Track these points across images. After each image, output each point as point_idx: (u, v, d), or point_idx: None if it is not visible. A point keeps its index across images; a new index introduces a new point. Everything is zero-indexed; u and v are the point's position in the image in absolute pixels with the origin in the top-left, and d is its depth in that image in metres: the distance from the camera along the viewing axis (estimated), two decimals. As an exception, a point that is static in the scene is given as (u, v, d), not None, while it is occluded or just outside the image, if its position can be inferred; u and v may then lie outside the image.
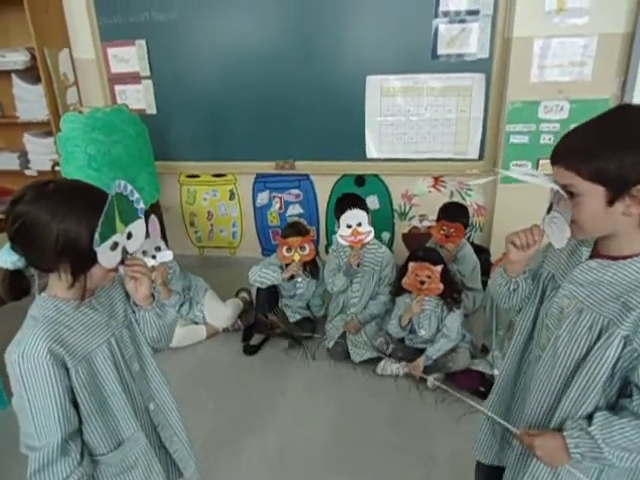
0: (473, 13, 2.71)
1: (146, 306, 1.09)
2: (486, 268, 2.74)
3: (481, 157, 3.00)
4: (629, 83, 2.58)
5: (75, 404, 0.99)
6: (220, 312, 2.83)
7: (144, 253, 2.10)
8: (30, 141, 3.39)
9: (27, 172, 3.47)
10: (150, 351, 1.15)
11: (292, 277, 2.71)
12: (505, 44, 2.72)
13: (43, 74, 3.11)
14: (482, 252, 2.92)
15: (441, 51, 2.81)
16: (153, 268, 2.09)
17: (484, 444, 1.26)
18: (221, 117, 3.24)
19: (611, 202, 0.86)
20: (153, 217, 2.17)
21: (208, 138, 3.32)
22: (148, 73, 3.24)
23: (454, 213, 2.70)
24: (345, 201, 2.65)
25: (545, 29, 2.60)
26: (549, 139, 2.70)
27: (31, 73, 3.20)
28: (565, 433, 0.95)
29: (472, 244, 2.90)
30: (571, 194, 0.90)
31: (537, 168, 2.64)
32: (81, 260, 0.93)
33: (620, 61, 2.59)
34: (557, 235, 0.95)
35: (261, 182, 3.46)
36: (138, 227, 1.00)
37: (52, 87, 3.18)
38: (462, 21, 2.73)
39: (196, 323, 2.82)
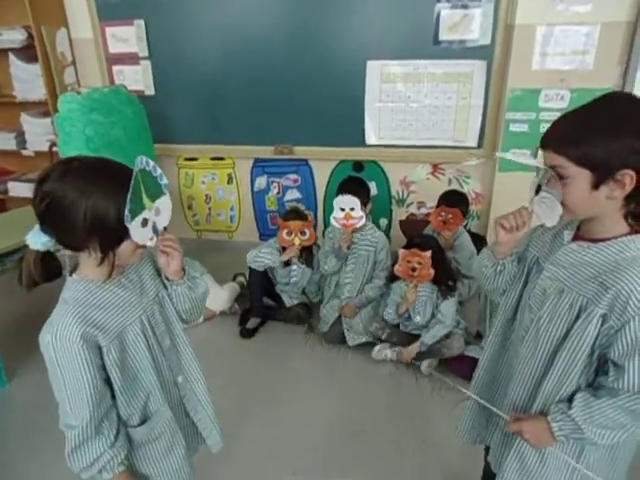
0: (476, -1, 2.68)
1: (178, 280, 1.10)
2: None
3: (480, 145, 2.99)
4: (630, 72, 2.57)
5: (107, 381, 1.02)
6: (217, 295, 2.84)
7: None
8: (27, 121, 3.37)
9: (24, 152, 3.46)
10: (181, 326, 1.18)
11: (287, 263, 2.73)
12: (507, 31, 2.70)
13: (40, 53, 3.08)
14: (479, 240, 2.93)
15: (443, 37, 2.79)
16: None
17: (467, 425, 1.31)
18: (220, 100, 3.21)
19: (596, 186, 0.90)
20: None
21: (207, 121, 3.30)
22: (147, 54, 3.20)
23: (453, 199, 2.73)
24: (345, 184, 2.67)
25: (548, 16, 2.58)
26: (549, 128, 2.68)
27: (28, 52, 3.17)
28: (549, 417, 1.00)
29: (469, 232, 2.91)
30: (559, 176, 0.93)
31: (536, 157, 2.64)
32: (109, 236, 0.93)
33: (622, 50, 2.57)
34: (548, 214, 0.98)
35: (259, 166, 3.45)
36: (164, 203, 1.00)
37: (49, 66, 3.15)
38: (464, 6, 2.71)
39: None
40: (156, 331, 1.10)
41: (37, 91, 3.22)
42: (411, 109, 2.99)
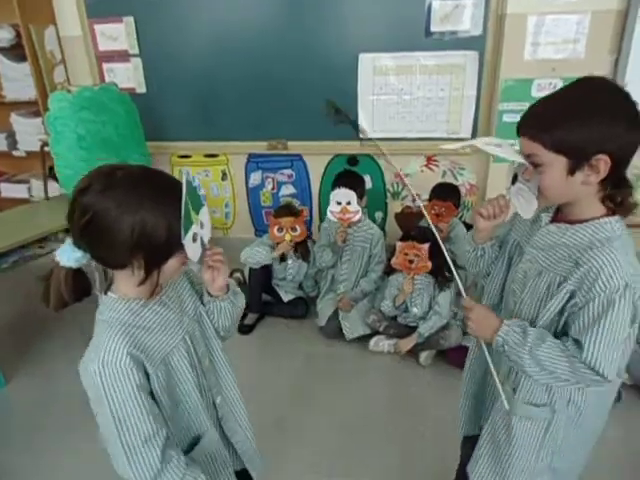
0: (467, -11, 2.67)
1: (222, 295, 1.04)
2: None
3: (474, 136, 2.99)
4: (622, 61, 2.57)
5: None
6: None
7: None
8: (17, 121, 3.34)
9: (15, 153, 3.43)
10: (219, 344, 1.11)
11: (283, 258, 2.73)
12: (499, 21, 2.69)
13: (29, 52, 3.05)
14: (474, 231, 2.93)
15: (434, 28, 2.78)
16: None
17: (464, 417, 1.33)
18: (212, 96, 3.19)
19: (572, 172, 0.91)
20: None
21: (199, 118, 3.28)
22: (137, 51, 3.17)
23: (445, 192, 2.73)
24: (342, 177, 2.67)
25: (539, 5, 2.57)
26: (542, 118, 2.69)
27: (16, 51, 3.13)
28: (506, 321, 1.02)
29: (464, 223, 2.91)
30: (534, 164, 0.94)
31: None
32: (157, 254, 0.86)
33: (613, 39, 2.57)
34: (525, 207, 0.99)
35: (253, 162, 3.44)
36: (205, 215, 0.93)
37: (39, 65, 3.12)
38: (456, -3, 2.70)
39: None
40: (198, 351, 1.04)
41: (27, 90, 3.19)
42: (404, 101, 2.99)
